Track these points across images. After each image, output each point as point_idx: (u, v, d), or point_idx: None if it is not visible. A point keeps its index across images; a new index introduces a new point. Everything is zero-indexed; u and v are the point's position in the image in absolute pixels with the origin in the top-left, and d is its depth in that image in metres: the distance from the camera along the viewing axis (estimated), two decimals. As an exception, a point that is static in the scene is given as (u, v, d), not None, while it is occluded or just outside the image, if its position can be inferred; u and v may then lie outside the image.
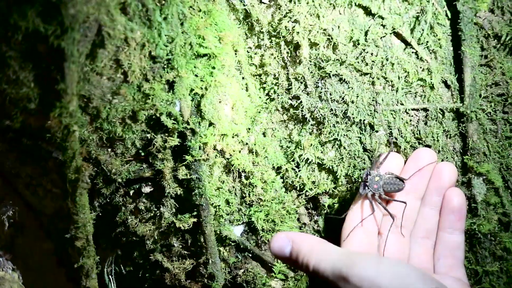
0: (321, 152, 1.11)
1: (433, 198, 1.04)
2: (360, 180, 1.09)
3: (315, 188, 1.14)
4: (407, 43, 1.05)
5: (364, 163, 1.10)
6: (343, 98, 1.07)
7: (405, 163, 1.06)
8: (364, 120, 1.07)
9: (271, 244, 0.96)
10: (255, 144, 1.11)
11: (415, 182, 1.04)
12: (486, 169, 1.05)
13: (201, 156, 1.05)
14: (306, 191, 1.15)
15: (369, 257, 0.88)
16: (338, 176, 1.12)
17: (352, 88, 1.06)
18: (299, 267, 0.93)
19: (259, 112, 1.12)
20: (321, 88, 1.08)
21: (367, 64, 1.05)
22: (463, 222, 1.03)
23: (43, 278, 1.34)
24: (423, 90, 1.06)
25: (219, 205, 1.11)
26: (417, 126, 1.07)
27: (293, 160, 1.14)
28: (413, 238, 1.05)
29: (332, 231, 1.16)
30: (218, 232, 1.13)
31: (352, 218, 1.04)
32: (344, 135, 1.09)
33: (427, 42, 1.04)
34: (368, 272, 0.83)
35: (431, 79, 1.05)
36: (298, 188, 1.16)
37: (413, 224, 1.05)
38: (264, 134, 1.14)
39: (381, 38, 1.04)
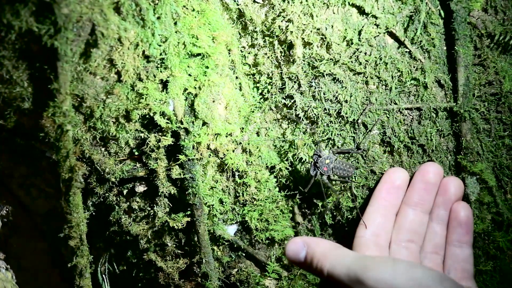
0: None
1: (440, 212, 1.04)
2: (310, 160, 1.10)
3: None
4: (400, 43, 1.05)
5: (358, 162, 1.10)
6: (336, 98, 1.07)
7: (411, 177, 1.06)
8: (357, 119, 1.07)
9: (287, 248, 0.96)
10: (248, 144, 1.11)
11: (422, 196, 1.04)
12: (479, 168, 1.05)
13: (194, 156, 1.05)
14: (300, 190, 1.15)
15: (385, 259, 0.89)
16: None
17: (346, 87, 1.07)
18: (313, 271, 0.93)
19: (253, 111, 1.12)
20: (315, 88, 1.08)
21: (360, 64, 1.05)
22: (470, 235, 1.04)
23: (36, 277, 1.34)
24: (417, 90, 1.06)
25: (212, 205, 1.11)
26: (410, 125, 1.07)
27: (286, 160, 1.14)
28: (423, 253, 1.05)
29: (326, 229, 1.16)
30: (212, 232, 1.13)
31: (362, 235, 1.04)
32: (337, 134, 1.09)
33: (421, 41, 1.04)
34: (384, 274, 0.83)
35: (425, 78, 1.05)
36: (292, 188, 1.16)
37: (422, 238, 1.05)
38: (257, 134, 1.14)
39: (374, 37, 1.04)
